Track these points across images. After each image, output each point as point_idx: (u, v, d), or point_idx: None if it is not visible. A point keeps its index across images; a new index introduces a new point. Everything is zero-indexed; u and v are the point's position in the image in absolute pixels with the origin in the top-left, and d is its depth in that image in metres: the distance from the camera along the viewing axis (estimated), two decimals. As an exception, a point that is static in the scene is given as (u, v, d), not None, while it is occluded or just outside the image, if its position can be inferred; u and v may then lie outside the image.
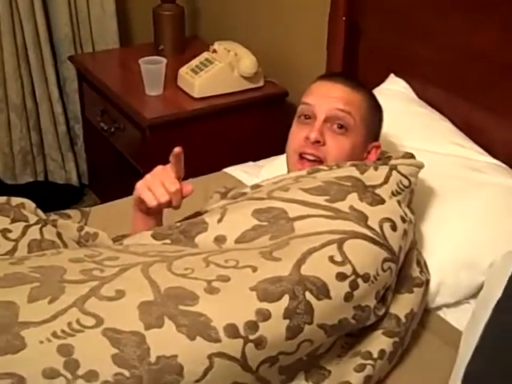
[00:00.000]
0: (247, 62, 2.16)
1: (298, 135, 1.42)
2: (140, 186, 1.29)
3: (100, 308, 1.00)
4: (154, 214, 1.33)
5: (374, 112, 1.45)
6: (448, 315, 1.39)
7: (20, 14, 2.51)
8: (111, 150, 2.43)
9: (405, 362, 1.26)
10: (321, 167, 1.36)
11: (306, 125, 1.41)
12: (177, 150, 1.28)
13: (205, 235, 1.23)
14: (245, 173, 1.86)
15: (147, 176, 1.29)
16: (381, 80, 1.89)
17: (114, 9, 2.66)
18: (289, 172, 1.44)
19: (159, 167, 1.30)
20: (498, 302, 1.13)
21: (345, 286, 1.12)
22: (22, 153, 2.78)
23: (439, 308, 1.41)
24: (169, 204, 1.28)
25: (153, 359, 0.95)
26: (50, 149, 2.80)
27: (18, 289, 1.01)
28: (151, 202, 1.26)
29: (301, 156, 1.41)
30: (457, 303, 1.41)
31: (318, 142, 1.38)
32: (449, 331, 1.33)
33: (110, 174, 2.62)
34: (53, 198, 2.77)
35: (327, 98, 1.40)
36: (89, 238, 1.39)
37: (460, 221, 1.45)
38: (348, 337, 1.19)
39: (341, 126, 1.39)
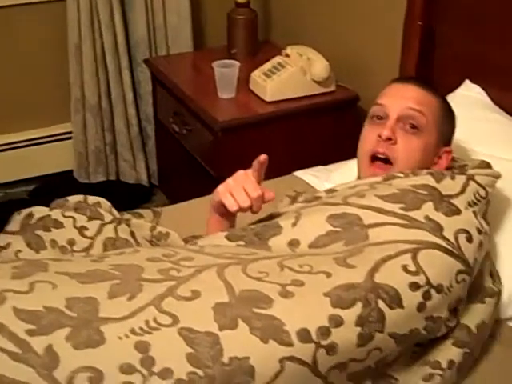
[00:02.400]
0: (319, 67, 2.16)
1: (370, 135, 1.41)
2: (221, 190, 1.30)
3: (176, 307, 1.02)
4: (230, 216, 1.35)
5: (447, 116, 1.44)
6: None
7: (100, 20, 2.60)
8: (182, 152, 2.46)
9: (475, 374, 1.25)
10: (396, 174, 1.35)
11: (379, 125, 1.40)
12: (263, 157, 1.31)
13: (279, 238, 1.24)
14: (314, 177, 1.87)
15: (229, 180, 1.31)
16: (455, 86, 1.87)
17: (189, 13, 2.71)
18: (359, 177, 1.44)
19: (241, 172, 1.32)
20: None
21: (418, 296, 1.12)
22: (95, 152, 2.86)
23: (511, 319, 1.38)
24: (249, 209, 1.29)
25: (226, 360, 0.97)
26: (122, 149, 2.87)
27: (99, 285, 1.03)
28: (232, 206, 1.28)
29: (372, 158, 1.40)
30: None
31: (389, 139, 1.37)
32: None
33: (179, 175, 2.66)
34: (123, 197, 2.84)
35: (400, 98, 1.40)
36: (161, 237, 1.42)
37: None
38: (417, 346, 1.18)
39: (413, 126, 1.38)
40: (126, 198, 2.84)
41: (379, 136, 1.38)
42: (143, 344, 0.96)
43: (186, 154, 2.44)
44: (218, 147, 2.18)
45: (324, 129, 2.23)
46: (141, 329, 0.98)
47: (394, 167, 1.38)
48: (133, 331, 0.97)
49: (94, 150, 2.85)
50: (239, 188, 1.28)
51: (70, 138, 2.89)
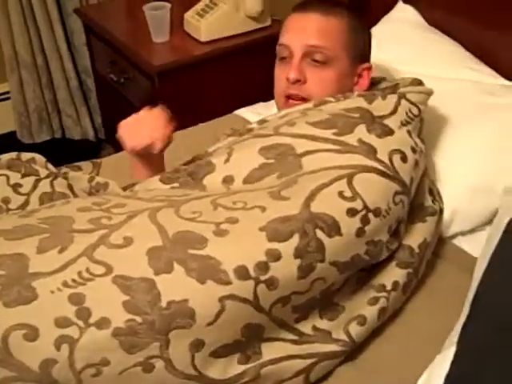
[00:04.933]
0: (252, 1, 2.11)
1: (280, 77, 1.39)
2: (122, 128, 1.29)
3: (109, 256, 1.00)
4: (149, 157, 1.31)
5: (357, 32, 1.37)
6: (463, 243, 1.38)
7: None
8: (123, 102, 2.41)
9: (420, 293, 1.26)
10: (327, 99, 1.32)
11: (286, 64, 1.37)
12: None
13: (212, 176, 1.21)
14: (255, 114, 1.84)
15: (130, 118, 1.30)
16: (390, 8, 1.84)
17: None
18: None
19: (144, 110, 1.30)
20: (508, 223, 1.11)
21: (356, 222, 1.11)
22: (37, 111, 2.79)
23: (454, 237, 1.40)
24: (148, 149, 1.27)
25: (164, 304, 0.96)
26: (64, 104, 2.81)
27: (27, 240, 1.01)
28: (131, 143, 1.27)
29: (287, 98, 1.37)
30: (472, 231, 1.40)
31: (298, 80, 1.34)
32: (464, 259, 1.32)
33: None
34: (71, 154, 2.78)
35: (301, 34, 1.35)
36: (100, 188, 1.39)
37: (473, 146, 1.42)
38: (361, 271, 1.18)
39: (321, 59, 1.34)
40: (74, 154, 2.78)
41: (287, 79, 1.35)
42: (77, 296, 0.95)
43: (127, 103, 2.38)
44: (156, 92, 2.13)
45: (262, 65, 2.16)
46: (74, 281, 0.96)
47: (310, 102, 1.34)
48: (65, 284, 0.96)
49: (35, 108, 2.78)
50: (136, 124, 1.28)
51: (8, 99, 2.81)
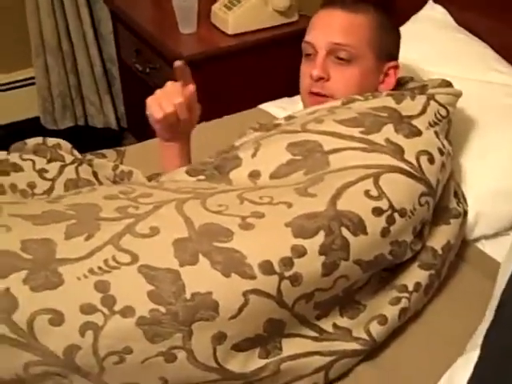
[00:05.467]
0: (280, -4, 2.10)
1: (305, 74, 1.39)
2: (149, 100, 1.30)
3: (135, 245, 1.00)
4: (174, 138, 1.32)
5: (384, 29, 1.37)
6: (487, 247, 1.37)
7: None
8: (148, 92, 2.39)
9: (442, 295, 1.26)
10: (356, 97, 1.31)
11: (311, 62, 1.37)
12: (177, 63, 1.29)
13: (239, 170, 1.21)
14: (280, 108, 1.84)
15: (157, 91, 1.30)
16: (419, 7, 1.82)
17: None
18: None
19: (169, 83, 1.31)
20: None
21: (381, 221, 1.11)
22: (60, 96, 2.80)
23: (478, 240, 1.39)
24: (176, 116, 1.27)
25: (188, 295, 0.96)
26: (87, 91, 2.81)
27: (55, 226, 1.01)
28: (157, 113, 1.27)
29: (310, 94, 1.38)
30: (496, 235, 1.39)
31: (321, 78, 1.34)
32: (487, 263, 1.31)
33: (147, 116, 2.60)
34: (93, 142, 2.79)
35: (326, 31, 1.35)
36: (124, 176, 1.40)
37: (500, 150, 1.41)
38: (384, 271, 1.18)
39: (345, 56, 1.33)
40: (96, 143, 2.78)
41: (310, 76, 1.35)
42: (103, 283, 0.95)
43: (151, 93, 2.36)
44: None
45: (288, 60, 2.14)
46: (99, 268, 0.97)
47: (334, 99, 1.34)
48: (91, 271, 0.96)
49: (59, 94, 2.79)
50: (164, 96, 1.28)
51: (33, 84, 2.82)
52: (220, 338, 0.98)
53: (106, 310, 0.94)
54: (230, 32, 2.15)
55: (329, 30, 1.35)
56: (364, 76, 1.35)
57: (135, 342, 0.94)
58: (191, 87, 1.29)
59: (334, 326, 1.11)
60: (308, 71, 1.36)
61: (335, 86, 1.34)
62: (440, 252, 1.23)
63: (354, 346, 1.10)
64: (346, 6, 1.35)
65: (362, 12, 1.35)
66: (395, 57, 1.41)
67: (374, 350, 1.13)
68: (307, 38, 1.39)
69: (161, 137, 1.34)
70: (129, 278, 0.97)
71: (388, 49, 1.38)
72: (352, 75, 1.34)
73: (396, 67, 1.39)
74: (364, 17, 1.35)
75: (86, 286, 0.95)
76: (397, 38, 1.42)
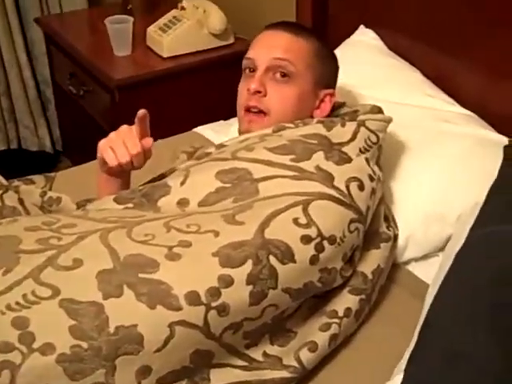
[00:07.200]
0: (216, 19, 2.10)
1: (243, 89, 1.38)
2: (102, 145, 1.25)
3: (57, 278, 0.97)
4: (118, 175, 1.29)
5: (323, 57, 1.39)
6: (416, 269, 1.38)
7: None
8: (82, 115, 2.38)
9: (373, 318, 1.26)
10: (287, 125, 1.32)
11: (250, 78, 1.37)
12: (141, 112, 1.25)
13: (168, 198, 1.19)
14: (214, 131, 1.84)
15: (111, 134, 1.26)
16: (351, 32, 1.85)
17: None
18: (240, 131, 1.40)
19: (124, 127, 1.26)
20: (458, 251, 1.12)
21: (310, 249, 1.10)
22: (-7, 119, 2.73)
23: (408, 262, 1.40)
24: (131, 165, 1.25)
25: (112, 329, 0.94)
26: (21, 115, 2.75)
27: None
28: (112, 161, 1.23)
29: (246, 110, 1.37)
30: (425, 257, 1.41)
31: (258, 92, 1.34)
32: (417, 285, 1.32)
33: (83, 139, 2.56)
34: (27, 166, 2.73)
35: (267, 48, 1.36)
36: (52, 203, 1.36)
37: (429, 174, 1.43)
38: (314, 298, 1.17)
39: (284, 75, 1.34)
40: (30, 166, 2.73)
41: (248, 90, 1.35)
42: (21, 320, 0.92)
43: (86, 116, 2.35)
44: (115, 107, 2.10)
45: (224, 82, 2.16)
46: (17, 303, 0.93)
47: (269, 117, 1.35)
48: (9, 307, 0.93)
49: (-9, 117, 2.73)
50: (120, 142, 1.23)
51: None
52: (145, 371, 0.96)
53: (23, 348, 0.90)
54: (165, 55, 2.13)
55: (271, 47, 1.36)
56: (300, 98, 1.36)
57: (55, 380, 0.91)
58: (151, 140, 1.25)
59: (264, 354, 1.10)
60: (246, 87, 1.36)
61: (271, 102, 1.34)
62: (370, 277, 1.23)
63: (284, 374, 1.09)
64: (290, 29, 1.38)
65: (304, 37, 1.38)
66: (332, 85, 1.43)
67: (303, 377, 1.12)
68: (249, 54, 1.40)
69: (104, 172, 1.29)
70: (49, 313, 0.94)
71: (326, 77, 1.40)
72: (289, 94, 1.35)
73: (332, 95, 1.41)
74: (306, 42, 1.37)
75: (4, 322, 0.92)
76: (335, 67, 1.44)
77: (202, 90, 2.19)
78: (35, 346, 0.91)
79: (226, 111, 1.95)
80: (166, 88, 2.14)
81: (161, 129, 1.96)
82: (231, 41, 2.21)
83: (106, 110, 2.19)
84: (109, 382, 0.93)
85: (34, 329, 0.92)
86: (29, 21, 2.62)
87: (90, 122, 2.33)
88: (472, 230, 1.13)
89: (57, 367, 0.91)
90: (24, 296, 0.94)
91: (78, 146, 2.64)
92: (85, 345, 0.92)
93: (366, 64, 1.69)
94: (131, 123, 1.29)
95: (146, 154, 1.25)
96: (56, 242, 1.03)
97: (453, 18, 1.61)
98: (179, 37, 2.13)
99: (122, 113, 2.08)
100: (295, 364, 1.10)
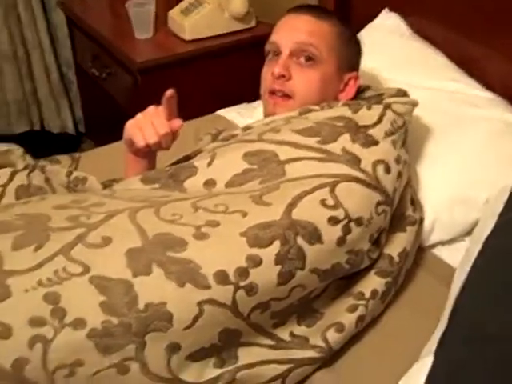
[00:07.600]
0: (238, 2, 2.10)
1: (267, 74, 1.38)
2: (130, 125, 1.26)
3: (87, 255, 0.98)
4: (145, 156, 1.29)
5: (347, 41, 1.39)
6: (443, 253, 1.38)
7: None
8: (105, 97, 2.39)
9: (399, 301, 1.26)
10: (312, 107, 1.32)
11: (274, 62, 1.37)
12: (169, 92, 1.25)
13: (194, 179, 1.20)
14: (238, 114, 1.84)
15: (138, 115, 1.26)
16: (375, 15, 1.84)
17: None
18: (265, 114, 1.40)
19: (151, 107, 1.27)
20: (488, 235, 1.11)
21: (337, 231, 1.10)
22: (16, 102, 2.74)
23: (434, 246, 1.40)
24: (159, 146, 1.25)
25: (141, 306, 0.94)
26: (44, 97, 2.77)
27: (2, 236, 0.99)
28: (140, 142, 1.24)
29: (271, 93, 1.37)
30: (452, 241, 1.40)
31: (282, 76, 1.34)
32: (443, 269, 1.32)
33: (105, 120, 2.58)
34: (50, 147, 2.75)
35: (291, 32, 1.36)
36: (78, 182, 1.36)
37: (455, 157, 1.42)
38: (341, 279, 1.18)
39: (308, 58, 1.34)
40: (53, 148, 2.74)
41: (272, 74, 1.35)
42: (53, 295, 0.93)
43: (108, 98, 2.36)
44: (137, 89, 2.11)
45: (246, 65, 2.17)
46: (49, 280, 0.94)
47: (294, 101, 1.35)
48: (40, 283, 0.94)
49: (14, 100, 2.74)
50: (148, 123, 1.23)
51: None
52: (174, 348, 0.97)
53: (56, 323, 0.91)
54: (186, 38, 2.13)
55: (294, 31, 1.36)
56: (325, 81, 1.35)
57: (86, 355, 0.92)
58: (180, 122, 1.26)
59: (291, 334, 1.10)
60: (269, 71, 1.36)
61: (296, 86, 1.34)
62: (397, 259, 1.23)
63: (311, 353, 1.09)
64: (313, 12, 1.37)
65: (327, 21, 1.37)
66: (356, 68, 1.42)
67: (331, 358, 1.13)
68: (272, 38, 1.40)
69: (131, 153, 1.30)
70: (80, 289, 0.94)
71: (350, 60, 1.40)
72: (313, 78, 1.34)
73: (356, 78, 1.40)
74: (329, 25, 1.37)
75: (35, 297, 0.92)
76: (358, 50, 1.44)
77: (223, 73, 2.19)
78: (67, 320, 0.91)
79: (248, 94, 1.95)
80: (188, 71, 2.14)
81: (183, 111, 1.98)
82: (253, 24, 2.21)
83: (127, 92, 2.20)
84: (139, 357, 0.94)
85: (66, 304, 0.92)
86: (51, 4, 2.63)
87: (112, 104, 2.34)
88: (502, 214, 1.12)
89: (88, 342, 0.91)
90: (55, 272, 0.95)
91: (100, 127, 2.65)
92: (115, 320, 0.93)
93: (390, 47, 1.68)
94: (153, 105, 1.29)
95: (174, 135, 1.25)
96: (85, 220, 1.04)
97: (478, 2, 1.60)
98: (201, 20, 2.13)
99: (144, 95, 2.09)
100: (322, 344, 1.11)
